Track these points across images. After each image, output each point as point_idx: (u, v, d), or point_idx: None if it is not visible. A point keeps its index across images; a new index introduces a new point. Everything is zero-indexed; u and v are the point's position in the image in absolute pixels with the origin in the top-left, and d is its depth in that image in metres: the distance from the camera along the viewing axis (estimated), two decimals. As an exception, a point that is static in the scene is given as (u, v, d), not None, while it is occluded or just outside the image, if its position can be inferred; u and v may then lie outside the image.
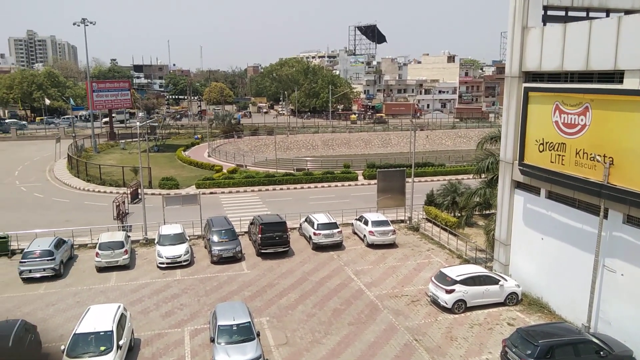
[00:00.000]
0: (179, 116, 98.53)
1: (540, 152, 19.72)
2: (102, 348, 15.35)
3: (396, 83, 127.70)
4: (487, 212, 31.97)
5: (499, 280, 21.03)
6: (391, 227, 28.54)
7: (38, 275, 23.21)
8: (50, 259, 23.44)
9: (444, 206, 32.46)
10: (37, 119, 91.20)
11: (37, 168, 50.97)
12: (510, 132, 21.91)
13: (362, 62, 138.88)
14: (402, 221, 32.86)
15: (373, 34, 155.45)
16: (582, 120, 17.62)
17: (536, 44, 19.96)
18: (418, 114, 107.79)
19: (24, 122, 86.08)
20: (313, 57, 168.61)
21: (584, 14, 21.05)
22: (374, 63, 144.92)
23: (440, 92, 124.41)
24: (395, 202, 33.05)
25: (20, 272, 23.20)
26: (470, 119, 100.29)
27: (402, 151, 70.57)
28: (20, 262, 23.43)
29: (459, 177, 41.89)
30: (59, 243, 24.95)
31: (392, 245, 28.33)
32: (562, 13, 21.15)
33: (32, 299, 21.63)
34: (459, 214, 31.63)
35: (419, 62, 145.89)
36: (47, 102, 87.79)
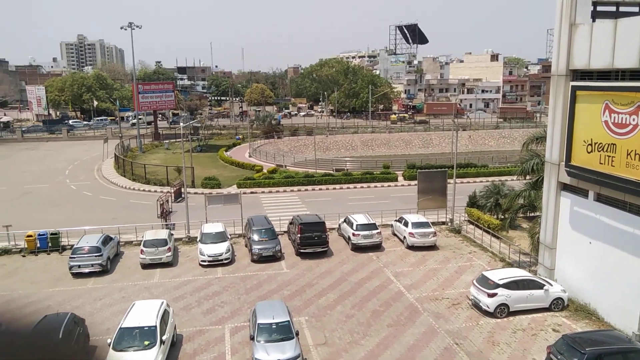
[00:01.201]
0: (212, 118, 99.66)
1: (589, 153, 19.02)
2: (146, 342, 15.79)
3: (438, 82, 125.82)
4: (532, 214, 31.05)
5: (544, 285, 20.41)
6: (432, 229, 28.15)
7: (86, 270, 24.09)
8: (98, 255, 24.30)
9: (487, 208, 31.76)
10: (92, 119, 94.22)
11: (86, 167, 52.90)
12: (556, 132, 21.23)
13: (403, 62, 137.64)
14: (443, 223, 32.37)
15: (414, 33, 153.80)
16: (634, 120, 16.89)
17: (585, 41, 19.26)
18: (460, 114, 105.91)
19: (89, 122, 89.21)
20: (353, 57, 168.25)
21: (636, 9, 20.19)
22: (415, 62, 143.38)
23: (483, 91, 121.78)
24: (436, 203, 32.56)
25: (70, 267, 24.15)
26: (514, 119, 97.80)
27: (444, 152, 69.53)
28: (70, 257, 24.39)
29: (503, 178, 40.85)
30: (106, 240, 25.82)
31: (432, 248, 27.95)
32: (613, 8, 20.36)
33: (81, 293, 22.46)
34: (502, 216, 30.88)
35: (461, 61, 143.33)
36: (96, 103, 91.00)
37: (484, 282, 20.29)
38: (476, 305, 20.50)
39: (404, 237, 28.35)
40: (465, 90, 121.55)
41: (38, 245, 27.44)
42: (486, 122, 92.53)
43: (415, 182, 34.81)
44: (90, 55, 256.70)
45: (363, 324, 19.46)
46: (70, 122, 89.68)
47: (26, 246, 27.38)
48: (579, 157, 19.61)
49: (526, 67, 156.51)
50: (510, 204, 29.17)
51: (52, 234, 27.75)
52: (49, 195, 40.67)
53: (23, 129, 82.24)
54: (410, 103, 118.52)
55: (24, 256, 27.11)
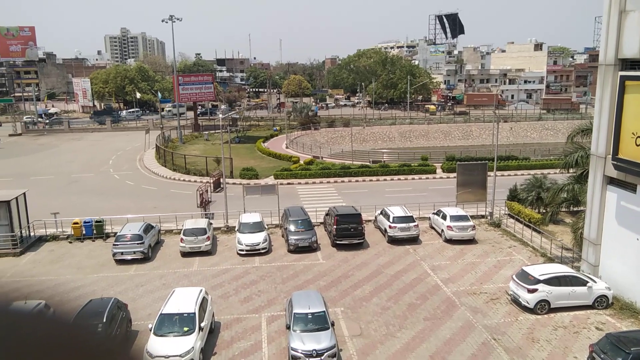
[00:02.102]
0: (250, 110, 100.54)
1: (637, 145, 18.25)
2: (185, 329, 16.19)
3: (478, 73, 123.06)
4: (575, 209, 30.10)
5: (587, 282, 19.79)
6: (471, 223, 27.68)
7: (129, 257, 24.85)
8: (140, 243, 25.01)
9: (528, 202, 30.98)
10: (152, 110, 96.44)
11: (129, 157, 54.40)
12: (603, 124, 20.45)
13: (443, 52, 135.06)
14: (482, 216, 31.76)
15: (454, 23, 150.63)
16: (688, 111, 16.08)
17: (635, 29, 18.41)
18: (501, 105, 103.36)
19: (138, 113, 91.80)
20: (391, 48, 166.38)
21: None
22: (455, 52, 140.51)
23: (525, 82, 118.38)
24: (476, 196, 31.97)
25: (114, 254, 24.96)
26: (558, 110, 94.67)
27: (484, 144, 68.02)
28: (114, 244, 25.21)
29: (545, 171, 39.74)
30: (148, 228, 26.54)
31: (471, 241, 27.49)
32: (667, -6, 19.35)
33: (124, 279, 23.21)
34: (544, 211, 30.08)
35: (503, 51, 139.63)
36: (138, 95, 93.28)
37: (524, 277, 19.84)
38: (515, 301, 20.08)
39: (442, 230, 28.00)
40: (507, 80, 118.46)
41: (84, 232, 28.46)
42: (528, 114, 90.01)
43: (454, 174, 34.28)
44: (132, 47, 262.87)
45: (399, 317, 19.38)
46: (124, 112, 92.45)
47: (72, 233, 28.45)
48: (627, 150, 18.84)
49: (572, 57, 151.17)
50: (553, 198, 28.36)
51: (96, 221, 28.72)
52: (94, 184, 42.07)
53: (72, 120, 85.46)
54: (449, 94, 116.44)
55: (70, 242, 28.20)
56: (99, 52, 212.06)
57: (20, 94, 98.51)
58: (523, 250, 26.52)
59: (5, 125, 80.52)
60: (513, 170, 44.94)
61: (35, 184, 38.49)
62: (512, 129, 77.99)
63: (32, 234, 28.39)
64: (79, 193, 39.07)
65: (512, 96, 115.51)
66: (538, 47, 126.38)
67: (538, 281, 19.37)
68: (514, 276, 20.54)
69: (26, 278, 23.56)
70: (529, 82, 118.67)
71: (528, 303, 19.37)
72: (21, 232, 27.20)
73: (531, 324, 18.72)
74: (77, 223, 28.44)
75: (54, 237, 28.63)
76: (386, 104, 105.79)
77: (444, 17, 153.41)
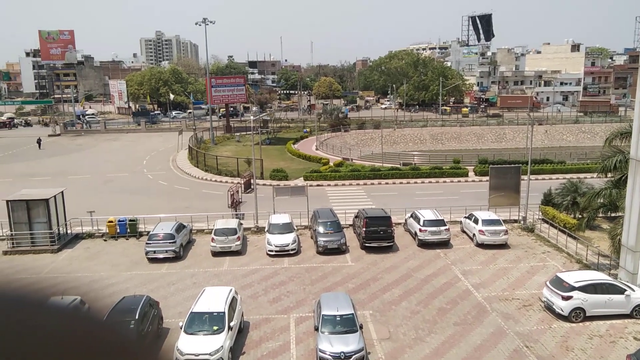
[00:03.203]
0: (280, 111, 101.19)
1: (681, 149, 17.56)
2: (215, 327, 16.39)
3: (512, 74, 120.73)
4: (613, 214, 29.17)
5: (625, 290, 19.16)
6: (503, 227, 27.16)
7: (161, 256, 25.31)
8: (172, 242, 25.44)
9: (563, 206, 30.19)
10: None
11: (162, 158, 55.44)
12: (644, 127, 19.76)
13: (476, 53, 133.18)
14: (515, 221, 31.12)
15: (488, 23, 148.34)
16: None
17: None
18: (536, 108, 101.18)
19: (175, 114, 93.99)
20: (423, 49, 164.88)
21: None
22: (489, 54, 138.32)
23: (561, 83, 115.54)
24: (509, 200, 31.34)
25: (146, 253, 25.46)
26: (596, 113, 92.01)
27: (518, 147, 66.67)
28: (147, 243, 25.71)
29: (581, 175, 38.73)
30: (180, 227, 26.98)
31: (503, 246, 26.97)
32: None
33: (156, 277, 23.65)
34: (580, 216, 29.24)
35: (539, 52, 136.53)
36: (172, 97, 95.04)
37: (559, 284, 19.34)
38: (549, 308, 19.60)
39: (474, 234, 27.55)
40: (542, 82, 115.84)
41: (118, 230, 29.14)
42: (564, 116, 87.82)
43: (487, 177, 33.71)
44: (167, 50, 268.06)
45: (428, 321, 19.16)
46: (173, 113, 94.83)
47: (107, 231, 29.17)
48: (670, 154, 18.16)
49: (611, 58, 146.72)
50: (589, 203, 27.53)
51: (130, 220, 29.36)
52: (128, 184, 43.03)
53: (109, 121, 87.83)
54: (482, 96, 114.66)
55: (105, 240, 28.91)
56: (134, 55, 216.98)
57: (60, 96, 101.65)
58: (557, 256, 25.87)
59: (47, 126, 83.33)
60: (548, 174, 43.89)
61: (73, 183, 39.60)
62: (547, 132, 76.21)
63: (69, 231, 29.20)
64: (114, 192, 40.03)
65: (548, 98, 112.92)
66: (575, 48, 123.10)
67: (573, 288, 18.85)
68: (547, 282, 20.05)
69: (63, 274, 24.27)
70: (565, 83, 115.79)
71: (562, 310, 18.87)
72: (59, 230, 28.01)
73: (565, 332, 18.23)
74: (111, 221, 29.13)
75: (90, 235, 29.41)
76: (417, 106, 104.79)
77: (477, 18, 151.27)
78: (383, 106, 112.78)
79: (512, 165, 35.48)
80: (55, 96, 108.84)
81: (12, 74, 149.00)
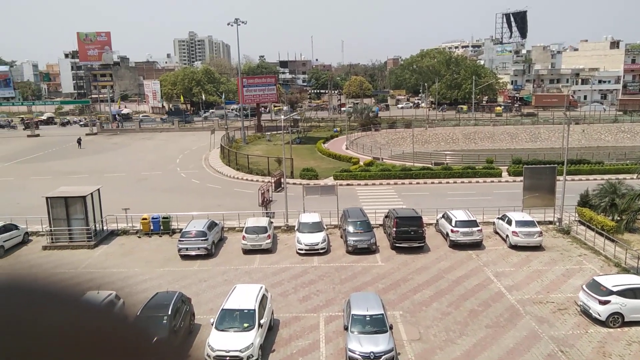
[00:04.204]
0: (311, 111, 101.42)
1: None
2: (246, 325, 16.55)
3: (548, 73, 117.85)
4: (654, 217, 28.17)
5: (667, 295, 18.46)
6: (537, 229, 26.55)
7: (193, 253, 25.70)
8: (204, 239, 25.80)
9: (601, 208, 29.29)
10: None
11: (195, 157, 56.31)
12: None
13: (510, 51, 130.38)
14: (550, 222, 30.39)
15: (523, 21, 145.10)
16: None
17: None
18: (573, 106, 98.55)
19: (205, 113, 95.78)
20: (456, 47, 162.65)
21: None
22: (523, 52, 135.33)
23: (600, 81, 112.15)
24: (544, 201, 30.63)
25: (179, 250, 25.89)
26: (636, 112, 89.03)
27: (553, 147, 65.07)
28: (179, 240, 26.15)
29: (620, 176, 37.47)
30: (212, 225, 27.35)
31: (537, 248, 26.36)
32: None
33: (188, 274, 24.03)
34: (619, 218, 28.32)
35: (576, 50, 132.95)
36: (204, 97, 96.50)
37: (596, 287, 18.79)
38: (585, 312, 19.06)
39: (507, 235, 27.03)
40: (580, 80, 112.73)
41: (151, 227, 29.74)
42: (602, 115, 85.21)
43: (521, 178, 33.01)
44: (200, 50, 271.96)
45: (460, 323, 18.89)
46: (202, 113, 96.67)
47: (141, 228, 29.79)
48: None
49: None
50: (629, 205, 26.62)
51: (163, 217, 29.92)
52: (162, 182, 43.86)
53: (143, 118, 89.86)
54: (517, 94, 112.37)
55: (139, 237, 29.54)
56: (168, 55, 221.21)
57: (97, 96, 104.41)
58: (594, 259, 25.13)
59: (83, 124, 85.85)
60: (585, 175, 42.71)
61: (109, 181, 40.63)
62: (585, 132, 74.12)
63: (104, 228, 29.96)
64: (148, 190, 40.87)
65: (585, 97, 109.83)
66: (614, 44, 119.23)
67: (611, 292, 18.29)
68: (584, 286, 19.51)
69: (99, 269, 24.92)
70: (604, 81, 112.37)
71: (599, 315, 18.33)
72: (95, 226, 28.76)
73: (602, 338, 17.70)
74: (145, 219, 29.75)
75: (125, 232, 30.10)
76: (444, 105, 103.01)
77: (511, 15, 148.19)
78: (400, 105, 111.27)
79: (548, 165, 34.65)
80: (93, 96, 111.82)
81: (52, 75, 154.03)
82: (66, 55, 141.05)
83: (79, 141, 63.99)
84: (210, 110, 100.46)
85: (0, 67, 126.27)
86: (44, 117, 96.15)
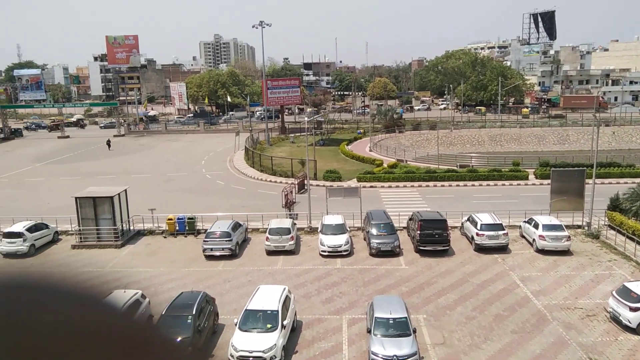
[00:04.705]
0: (334, 113, 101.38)
1: None
2: (269, 325, 16.61)
3: (577, 73, 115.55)
4: (689, 222, 27.31)
5: (702, 303, 17.86)
6: (565, 233, 26.00)
7: (217, 253, 25.94)
8: (228, 240, 26.02)
9: (632, 212, 28.54)
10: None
11: (220, 158, 56.86)
12: None
13: (537, 52, 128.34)
14: (578, 226, 29.73)
15: (551, 21, 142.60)
16: None
17: None
18: (603, 108, 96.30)
19: (226, 116, 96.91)
20: (482, 48, 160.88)
21: None
22: (551, 52, 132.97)
23: (631, 82, 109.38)
24: (572, 205, 29.99)
25: (203, 250, 26.16)
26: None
27: (582, 149, 63.64)
28: (204, 241, 26.42)
29: (652, 180, 36.45)
30: (236, 226, 27.56)
31: (565, 252, 25.82)
32: None
33: (212, 274, 24.25)
34: (651, 222, 27.56)
35: (606, 50, 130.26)
36: (229, 99, 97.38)
37: (626, 294, 18.30)
38: (615, 319, 18.58)
39: (534, 239, 26.54)
40: (610, 81, 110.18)
41: (177, 228, 30.12)
42: (634, 117, 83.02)
43: (548, 181, 32.43)
44: (225, 53, 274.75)
45: (484, 328, 18.62)
46: (224, 116, 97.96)
47: (167, 228, 30.20)
48: None
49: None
50: (662, 209, 25.94)
51: (189, 218, 30.28)
52: (187, 183, 44.41)
53: (174, 120, 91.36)
54: (544, 96, 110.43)
55: (165, 237, 29.96)
56: (194, 58, 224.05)
57: (124, 98, 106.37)
58: (625, 264, 24.48)
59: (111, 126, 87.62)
60: (615, 178, 41.68)
61: (135, 182, 41.31)
62: (615, 134, 72.35)
63: (131, 227, 30.46)
64: (174, 191, 41.42)
65: (615, 98, 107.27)
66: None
67: (642, 299, 17.78)
68: (614, 292, 19.02)
69: (125, 269, 25.36)
70: (636, 82, 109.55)
71: (630, 322, 17.84)
72: (122, 226, 29.27)
73: (633, 346, 17.22)
74: (171, 219, 30.15)
75: (151, 232, 30.56)
76: (465, 107, 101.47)
77: (539, 15, 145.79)
78: (442, 106, 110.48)
79: (576, 168, 33.93)
80: (120, 98, 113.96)
81: (81, 78, 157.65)
82: (95, 59, 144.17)
83: (108, 143, 65.27)
84: (230, 113, 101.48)
85: (32, 71, 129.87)
86: (73, 119, 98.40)
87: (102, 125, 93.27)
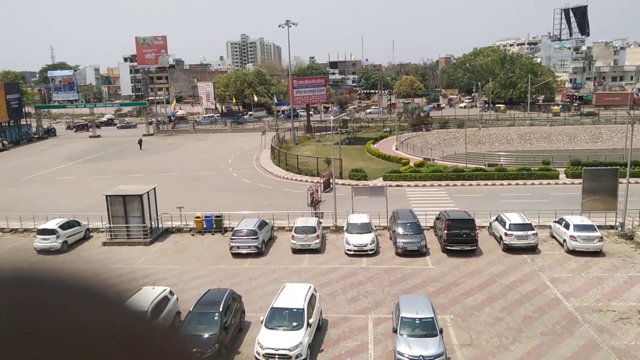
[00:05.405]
0: (360, 111, 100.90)
1: None
2: (294, 324, 16.68)
3: (610, 70, 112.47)
4: None
5: None
6: (597, 233, 25.35)
7: (244, 251, 26.17)
8: (255, 238, 26.23)
9: (668, 213, 27.67)
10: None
11: (246, 157, 57.31)
12: None
13: (569, 48, 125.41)
14: (611, 227, 28.94)
15: (583, 16, 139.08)
16: None
17: None
18: (638, 105, 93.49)
19: (245, 116, 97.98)
20: (511, 45, 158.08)
21: None
22: (583, 48, 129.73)
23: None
24: (604, 205, 29.21)
25: (230, 248, 26.43)
26: None
27: (616, 147, 61.96)
28: (231, 238, 26.69)
29: (690, 179, 35.24)
30: (262, 224, 27.76)
31: (597, 253, 25.17)
32: None
33: (239, 272, 24.48)
34: (688, 223, 26.67)
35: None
36: (256, 98, 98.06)
37: (662, 297, 17.74)
38: (650, 323, 18.04)
39: (564, 240, 25.94)
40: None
41: (204, 225, 30.49)
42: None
43: (580, 180, 31.65)
44: (251, 52, 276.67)
45: (513, 329, 18.31)
46: (249, 114, 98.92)
47: (195, 226, 30.61)
48: None
49: None
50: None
51: (216, 216, 30.62)
52: (215, 181, 44.91)
53: (200, 119, 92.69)
54: (576, 93, 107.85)
55: (192, 235, 30.37)
56: (221, 58, 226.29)
57: (153, 98, 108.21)
58: (661, 266, 23.74)
59: (140, 125, 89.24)
60: (650, 177, 40.42)
61: (164, 180, 41.96)
62: (650, 132, 70.18)
63: (160, 225, 30.97)
64: (201, 189, 41.95)
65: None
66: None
67: (679, 302, 17.22)
68: (649, 295, 18.47)
69: (154, 266, 25.81)
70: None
71: (666, 326, 17.31)
72: (151, 224, 29.77)
73: (669, 350, 16.70)
74: (199, 217, 30.54)
75: (179, 230, 31.02)
76: (487, 105, 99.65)
77: (570, 10, 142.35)
78: (462, 105, 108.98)
79: (609, 167, 33.04)
80: (149, 98, 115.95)
81: (112, 78, 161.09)
82: (125, 59, 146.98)
83: (140, 142, 66.43)
84: (249, 113, 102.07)
85: (65, 72, 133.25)
86: (104, 119, 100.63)
87: (118, 125, 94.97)
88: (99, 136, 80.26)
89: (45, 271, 0.91)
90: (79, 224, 29.94)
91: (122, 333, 0.88)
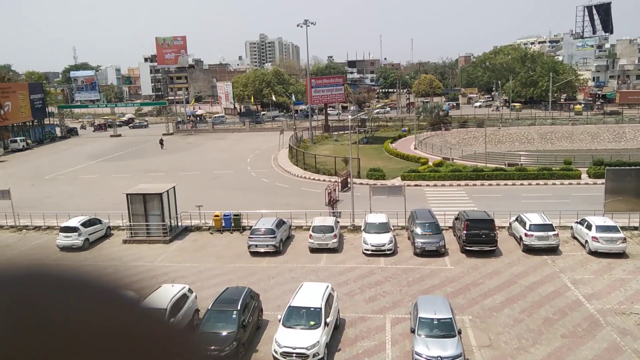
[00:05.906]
0: (378, 110, 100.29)
1: None
2: (312, 323, 16.70)
3: (635, 68, 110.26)
4: None
5: None
6: (621, 234, 24.86)
7: (262, 250, 26.29)
8: (272, 237, 26.33)
9: (694, 214, 27.02)
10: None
11: (264, 156, 57.54)
12: None
13: (592, 46, 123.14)
14: (635, 228, 28.37)
15: (607, 13, 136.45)
16: None
17: None
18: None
19: (278, 115, 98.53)
20: (532, 43, 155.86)
21: None
22: (607, 46, 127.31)
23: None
24: (628, 205, 28.64)
25: (249, 246, 26.56)
26: None
27: None
28: (249, 237, 26.83)
29: None
30: (280, 223, 27.85)
31: (620, 255, 24.70)
32: None
33: (256, 270, 24.60)
34: None
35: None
36: (274, 98, 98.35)
37: (688, 300, 17.34)
38: (675, 326, 17.64)
39: (586, 241, 25.51)
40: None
41: (223, 224, 30.69)
42: (697, 113, 78.52)
43: (602, 180, 31.09)
44: (270, 52, 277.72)
45: (533, 331, 18.07)
46: (262, 114, 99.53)
47: (213, 225, 30.84)
48: None
49: None
50: None
51: (234, 215, 30.81)
52: (233, 181, 45.18)
53: (215, 119, 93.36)
54: (598, 92, 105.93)
55: (211, 233, 30.61)
56: (239, 58, 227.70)
57: (173, 97, 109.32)
58: (686, 269, 23.19)
59: (160, 125, 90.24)
60: (676, 178, 39.49)
61: (183, 179, 42.37)
62: (676, 131, 68.60)
63: (179, 224, 31.28)
64: (220, 188, 42.24)
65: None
66: None
67: None
68: (674, 298, 18.07)
69: (173, 264, 26.08)
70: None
71: (692, 330, 16.91)
72: (170, 222, 30.09)
73: (695, 354, 16.31)
74: (217, 216, 30.76)
75: (198, 228, 31.29)
76: (507, 104, 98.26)
77: (593, 7, 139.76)
78: (477, 104, 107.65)
79: (633, 167, 32.38)
80: (169, 98, 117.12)
81: (132, 78, 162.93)
82: (145, 59, 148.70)
83: (161, 142, 67.14)
84: (262, 113, 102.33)
85: (87, 72, 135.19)
86: (125, 118, 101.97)
87: (130, 125, 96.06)
88: (119, 135, 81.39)
89: (59, 268, 0.90)
90: (100, 222, 30.40)
91: (133, 332, 0.86)
